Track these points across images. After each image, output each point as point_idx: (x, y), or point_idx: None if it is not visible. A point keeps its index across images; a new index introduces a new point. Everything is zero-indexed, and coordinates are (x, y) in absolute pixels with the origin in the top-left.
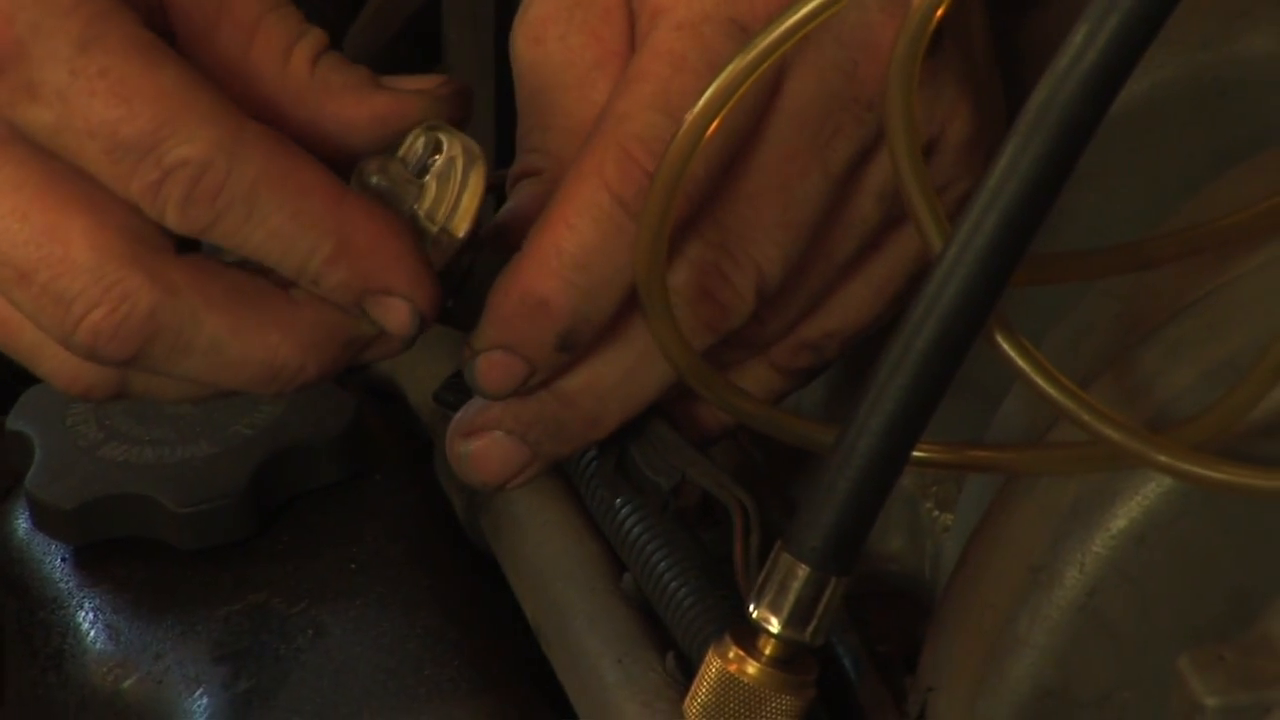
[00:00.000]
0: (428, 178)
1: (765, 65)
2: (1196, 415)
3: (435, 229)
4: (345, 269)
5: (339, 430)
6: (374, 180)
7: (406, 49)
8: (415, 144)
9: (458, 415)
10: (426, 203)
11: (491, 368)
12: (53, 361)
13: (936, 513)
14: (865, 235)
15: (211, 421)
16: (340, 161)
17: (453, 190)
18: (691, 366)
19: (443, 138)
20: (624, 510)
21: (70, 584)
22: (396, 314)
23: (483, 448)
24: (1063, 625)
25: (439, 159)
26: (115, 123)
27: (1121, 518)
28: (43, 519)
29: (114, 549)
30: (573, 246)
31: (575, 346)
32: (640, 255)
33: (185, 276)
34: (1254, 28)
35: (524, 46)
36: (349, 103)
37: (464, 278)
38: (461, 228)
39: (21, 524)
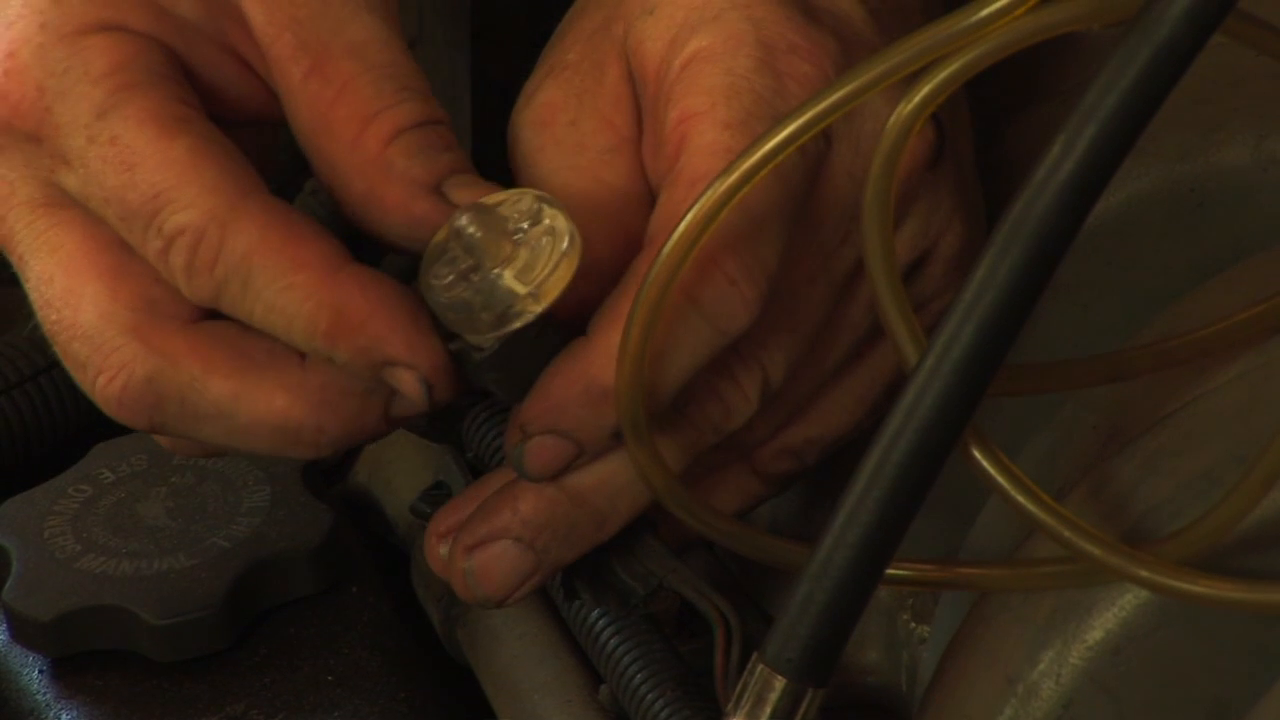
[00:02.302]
0: (522, 241)
1: (774, 163)
2: (1180, 530)
3: (523, 292)
4: (345, 342)
5: (316, 542)
6: (469, 228)
7: None
8: (519, 203)
9: (450, 516)
10: (517, 265)
11: (543, 450)
12: None
13: (913, 624)
14: (854, 344)
15: (189, 534)
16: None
17: (545, 262)
18: (669, 489)
19: (546, 208)
20: (600, 622)
21: (48, 696)
22: (406, 383)
23: (488, 560)
24: None
25: (537, 229)
26: (121, 189)
27: (1098, 629)
28: (20, 631)
29: (91, 661)
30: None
31: None
32: (621, 375)
33: (187, 344)
34: (1230, 140)
35: (530, 132)
36: (398, 195)
37: (523, 350)
38: (548, 298)
39: None
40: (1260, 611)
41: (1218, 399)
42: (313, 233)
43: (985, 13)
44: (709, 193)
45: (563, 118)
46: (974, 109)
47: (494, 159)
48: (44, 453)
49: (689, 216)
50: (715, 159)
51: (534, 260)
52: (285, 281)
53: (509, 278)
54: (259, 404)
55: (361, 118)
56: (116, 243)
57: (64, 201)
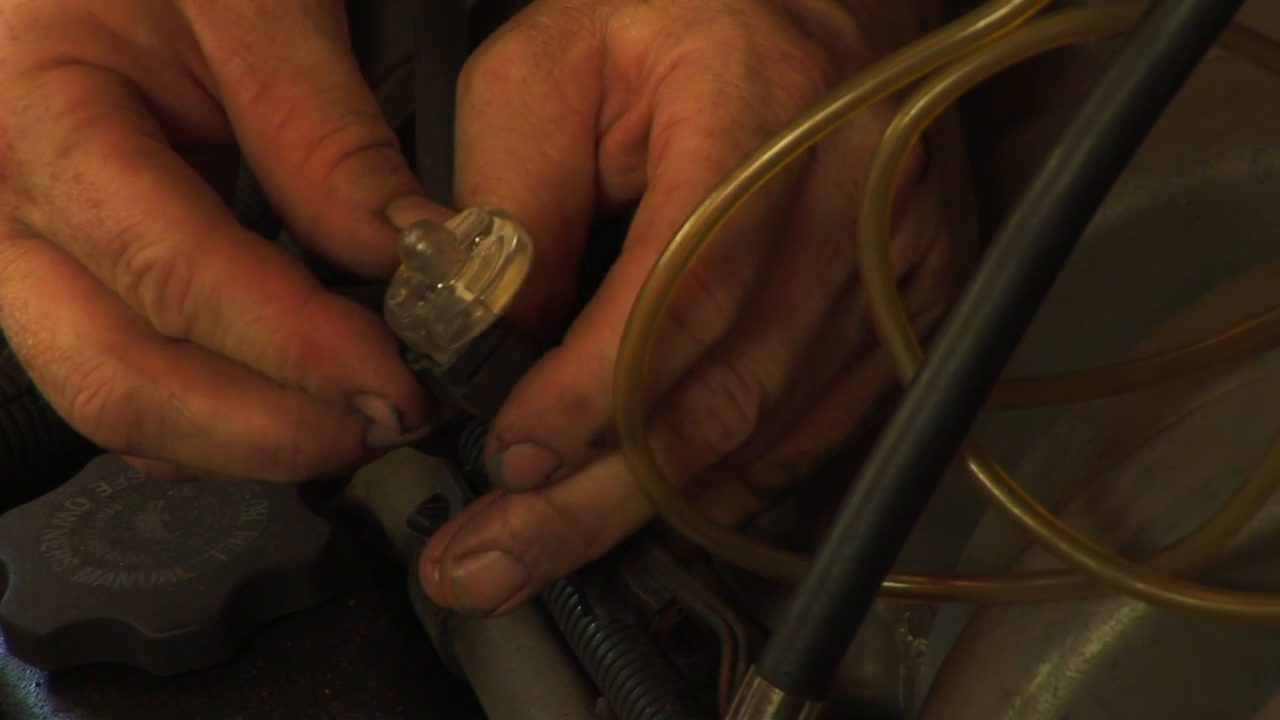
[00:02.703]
0: (473, 253)
1: (768, 177)
2: (1176, 543)
3: (470, 299)
4: (315, 371)
5: (313, 556)
6: (418, 245)
7: None
8: (468, 218)
9: (445, 541)
10: (467, 276)
11: (520, 460)
12: None
13: (910, 638)
14: (847, 357)
15: (186, 547)
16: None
17: (495, 270)
18: (670, 502)
19: (496, 220)
20: (598, 635)
21: (45, 709)
22: (378, 411)
23: (477, 570)
24: None
25: (488, 240)
26: (87, 225)
27: (1095, 642)
28: (17, 644)
29: (89, 674)
30: (616, 352)
31: (608, 443)
32: (619, 385)
33: (166, 362)
34: (1227, 152)
35: (480, 80)
36: (341, 220)
37: (485, 360)
38: (498, 304)
39: None
40: (1257, 624)
41: (1215, 412)
42: (281, 263)
43: (980, 25)
44: (703, 206)
45: (515, 73)
46: (969, 122)
47: None
48: (41, 466)
49: (684, 229)
50: (694, 166)
51: (484, 269)
52: (254, 314)
53: (460, 288)
54: (237, 422)
55: (307, 143)
56: (83, 269)
57: (32, 233)
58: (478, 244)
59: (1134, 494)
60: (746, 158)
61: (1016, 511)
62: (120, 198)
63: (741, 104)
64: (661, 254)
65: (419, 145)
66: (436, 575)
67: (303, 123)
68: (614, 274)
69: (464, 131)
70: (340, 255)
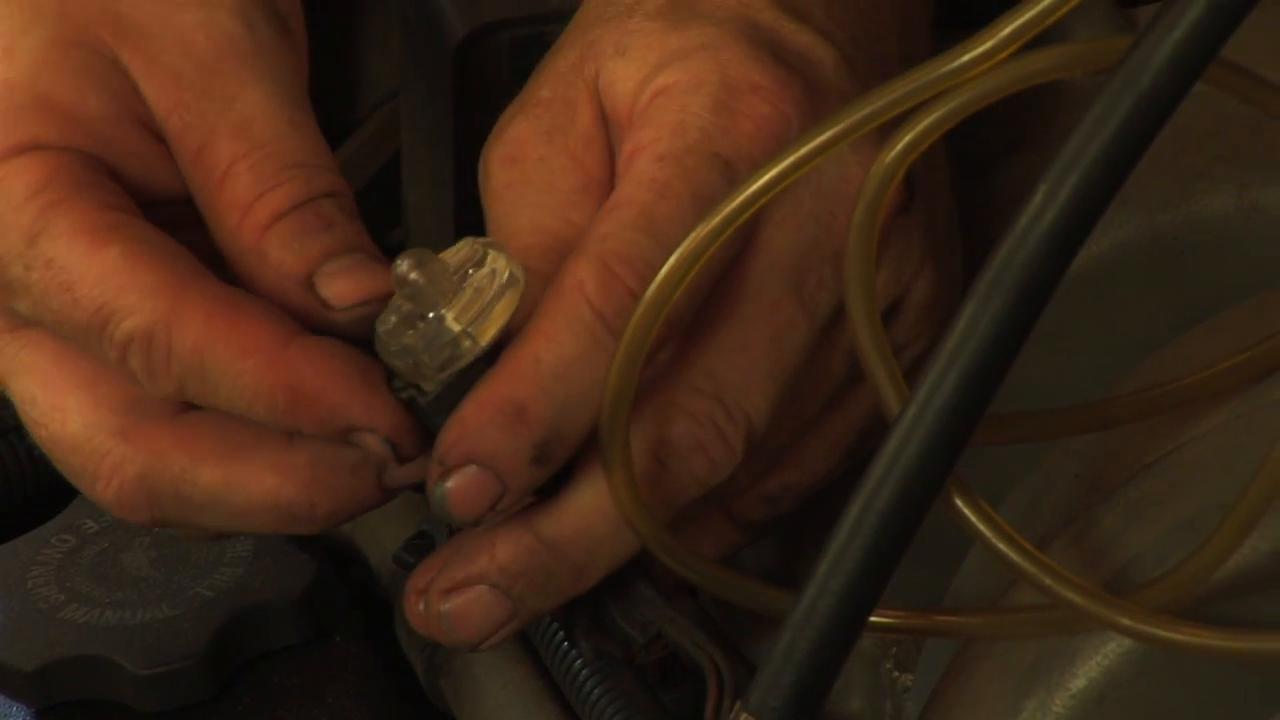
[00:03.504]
0: (465, 284)
1: (759, 204)
2: (1159, 578)
3: (458, 330)
4: (306, 415)
5: (299, 592)
6: (410, 274)
7: (370, 207)
8: (461, 250)
9: (430, 573)
10: (457, 307)
11: (465, 486)
12: None
13: (896, 673)
14: (832, 391)
15: (172, 583)
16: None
17: (485, 301)
18: (654, 534)
19: (490, 252)
20: (584, 671)
21: None
22: (372, 446)
23: (464, 604)
24: None
25: (481, 272)
26: (65, 309)
27: (1081, 678)
28: (4, 681)
29: (75, 711)
30: (551, 357)
31: (550, 460)
32: (605, 414)
33: (173, 438)
34: (1213, 188)
35: (499, 167)
36: (270, 287)
37: (470, 392)
38: (486, 335)
39: None
40: (1242, 659)
41: (1201, 448)
42: (257, 312)
43: (964, 60)
44: (690, 237)
45: (532, 154)
46: (959, 157)
47: (477, 208)
48: (27, 503)
49: (676, 254)
50: (638, 188)
51: (474, 300)
52: (236, 369)
53: (450, 319)
54: (249, 487)
55: (241, 205)
56: (83, 353)
57: (27, 322)
58: (470, 275)
59: (1120, 529)
60: (735, 189)
61: (1002, 547)
62: (92, 276)
63: (699, 133)
64: (590, 265)
65: (405, 180)
66: (421, 607)
67: (236, 184)
68: (546, 290)
69: (490, 218)
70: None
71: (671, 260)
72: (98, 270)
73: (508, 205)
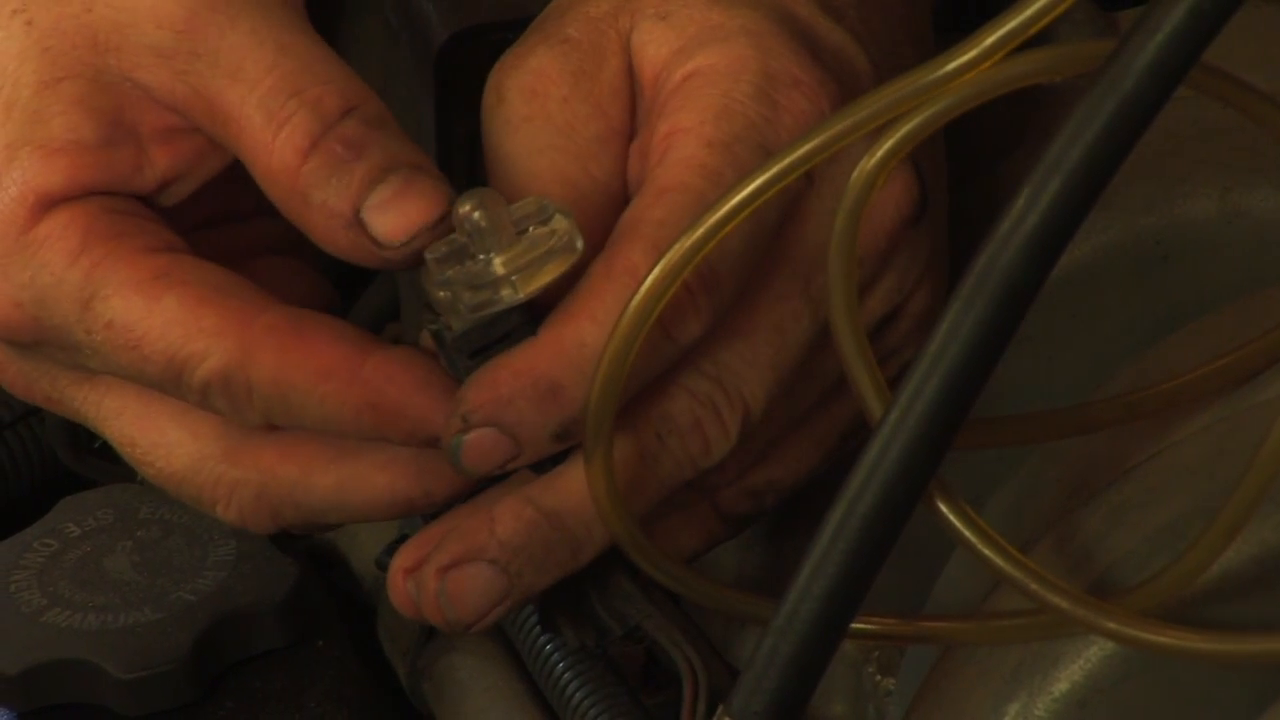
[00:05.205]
0: (523, 237)
1: (773, 191)
2: (1144, 581)
3: (502, 274)
4: (392, 430)
5: (281, 596)
6: (472, 214)
7: None
8: (528, 205)
9: (419, 550)
10: (508, 253)
11: (482, 443)
12: None
13: (879, 677)
14: (824, 389)
15: (155, 588)
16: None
17: (536, 256)
18: (628, 536)
19: (557, 215)
20: (566, 674)
21: None
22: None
23: (463, 580)
24: None
25: (542, 229)
26: (137, 366)
27: (1064, 681)
28: None
29: (58, 715)
30: (596, 342)
31: (569, 438)
32: (594, 397)
33: (279, 453)
34: (1196, 192)
35: (517, 96)
36: (320, 232)
37: (497, 341)
38: (527, 288)
39: None
40: (1226, 662)
41: (1184, 451)
42: (328, 335)
43: (951, 66)
44: (692, 230)
45: (556, 91)
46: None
47: None
48: (8, 507)
49: (679, 244)
50: (689, 172)
51: (527, 252)
52: (319, 394)
53: (498, 263)
54: (364, 488)
55: (265, 148)
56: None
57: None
58: (530, 231)
59: (1103, 533)
60: (750, 172)
61: (986, 551)
62: (155, 331)
63: (745, 121)
64: (647, 253)
65: None
66: (411, 586)
67: (252, 129)
68: (595, 266)
69: (498, 146)
70: (339, 257)
71: (681, 242)
72: (159, 323)
73: (526, 140)
